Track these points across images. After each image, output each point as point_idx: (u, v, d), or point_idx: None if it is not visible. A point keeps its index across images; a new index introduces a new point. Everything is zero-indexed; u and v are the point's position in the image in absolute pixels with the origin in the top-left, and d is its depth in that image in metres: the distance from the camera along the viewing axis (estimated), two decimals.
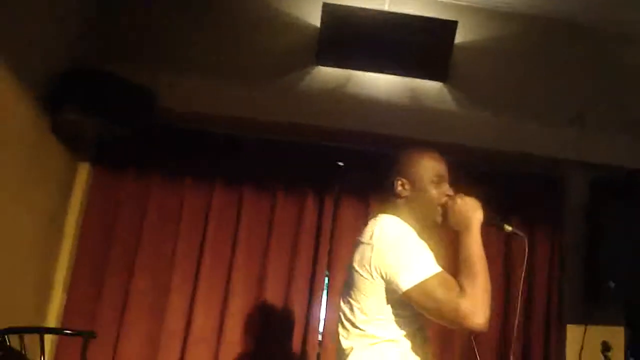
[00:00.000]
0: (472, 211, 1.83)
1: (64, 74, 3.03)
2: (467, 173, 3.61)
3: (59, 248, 3.39)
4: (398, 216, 1.87)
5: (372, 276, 1.75)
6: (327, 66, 3.52)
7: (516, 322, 3.22)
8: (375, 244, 1.77)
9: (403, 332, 1.77)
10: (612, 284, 3.21)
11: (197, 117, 3.49)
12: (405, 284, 1.68)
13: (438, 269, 1.72)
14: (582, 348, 3.39)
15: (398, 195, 1.91)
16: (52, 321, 3.32)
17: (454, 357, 3.45)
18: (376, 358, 1.75)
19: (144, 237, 3.46)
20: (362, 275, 1.78)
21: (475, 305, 1.63)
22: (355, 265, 1.81)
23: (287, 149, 3.64)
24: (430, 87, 3.62)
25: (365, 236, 1.83)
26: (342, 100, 3.53)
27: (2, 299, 2.77)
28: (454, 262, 1.78)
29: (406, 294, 1.69)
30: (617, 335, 3.45)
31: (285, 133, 3.61)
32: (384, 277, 1.73)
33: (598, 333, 3.38)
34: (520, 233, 1.94)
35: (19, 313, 2.93)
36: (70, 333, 2.97)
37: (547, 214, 3.71)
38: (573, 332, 3.49)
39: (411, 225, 1.83)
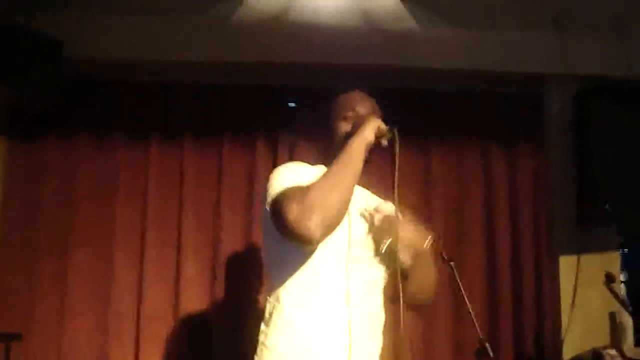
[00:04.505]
0: (367, 121, 1.61)
1: None
2: (436, 97, 3.33)
3: None
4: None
5: (261, 225, 1.66)
6: None
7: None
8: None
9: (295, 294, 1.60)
10: (607, 205, 2.86)
11: (115, 64, 3.02)
12: (268, 206, 1.56)
13: (296, 182, 1.53)
14: (576, 279, 3.10)
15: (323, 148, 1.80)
16: None
17: (440, 305, 3.13)
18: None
19: (77, 209, 3.05)
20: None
21: (305, 206, 1.41)
22: None
23: (227, 93, 3.20)
24: (384, 4, 3.13)
25: None
26: (284, 29, 3.05)
27: None
28: None
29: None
30: (612, 263, 3.16)
31: (223, 75, 3.17)
32: (264, 214, 1.59)
33: (593, 261, 3.08)
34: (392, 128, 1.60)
35: None
36: None
37: (529, 135, 3.34)
38: (566, 262, 3.18)
39: None
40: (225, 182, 3.12)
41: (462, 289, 2.64)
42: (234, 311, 2.97)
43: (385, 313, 1.70)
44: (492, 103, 3.35)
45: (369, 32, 3.13)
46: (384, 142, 1.59)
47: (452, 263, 2.81)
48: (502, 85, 3.35)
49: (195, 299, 3.04)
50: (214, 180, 3.13)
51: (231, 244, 3.07)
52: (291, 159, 3.07)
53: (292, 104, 3.22)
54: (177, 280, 3.04)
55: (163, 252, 3.06)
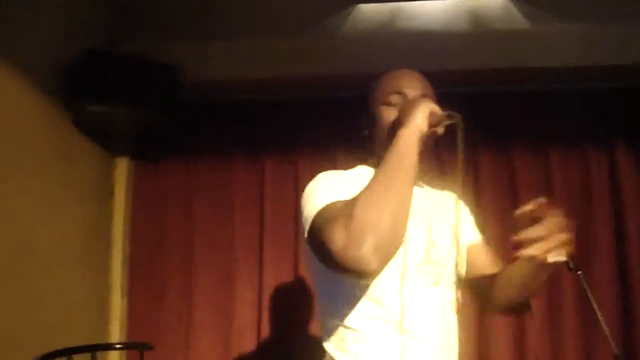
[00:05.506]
0: (417, 106, 1.27)
1: (76, 61, 2.67)
2: (552, 98, 3.17)
3: (109, 252, 3.12)
4: (362, 164, 1.50)
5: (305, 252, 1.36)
6: (368, 2, 3.01)
7: None
8: None
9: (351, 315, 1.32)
10: None
11: (232, 85, 3.08)
12: (306, 234, 1.25)
13: (336, 196, 1.22)
14: None
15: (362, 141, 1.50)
16: (116, 333, 3.08)
17: (568, 317, 2.96)
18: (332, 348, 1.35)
19: (199, 227, 3.15)
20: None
21: (352, 231, 1.08)
22: None
23: (339, 106, 3.17)
24: (493, 4, 3.04)
25: None
26: (393, 38, 3.01)
27: (54, 320, 2.54)
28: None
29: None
30: None
31: (334, 87, 3.15)
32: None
33: None
34: (453, 114, 1.28)
35: (76, 332, 2.71)
36: (121, 347, 2.71)
37: None
38: None
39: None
40: None
41: (592, 300, 2.50)
42: None
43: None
44: (613, 99, 3.14)
45: (477, 35, 3.03)
46: (440, 131, 1.30)
47: (579, 273, 2.67)
48: (624, 81, 3.14)
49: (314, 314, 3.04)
50: None
51: None
52: None
53: None
54: (295, 296, 3.06)
55: (280, 268, 3.09)
